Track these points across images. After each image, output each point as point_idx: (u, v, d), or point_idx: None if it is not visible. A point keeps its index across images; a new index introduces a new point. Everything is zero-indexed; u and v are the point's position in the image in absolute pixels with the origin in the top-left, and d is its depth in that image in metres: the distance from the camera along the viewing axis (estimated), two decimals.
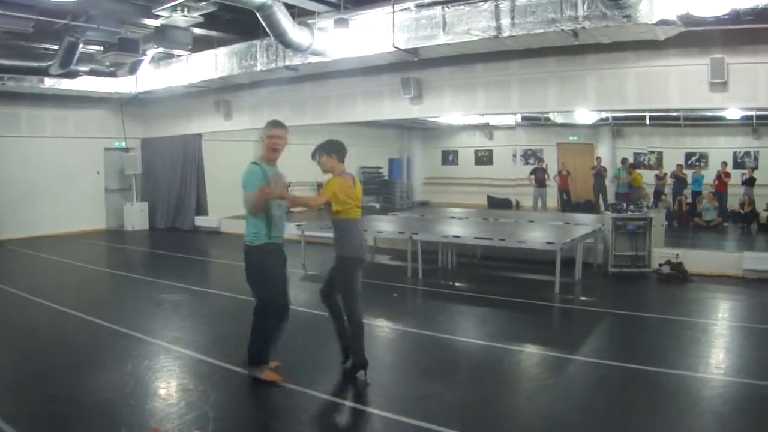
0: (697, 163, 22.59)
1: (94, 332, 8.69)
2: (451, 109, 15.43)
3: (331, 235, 6.83)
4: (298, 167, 9.11)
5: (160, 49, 14.97)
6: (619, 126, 23.74)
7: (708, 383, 6.63)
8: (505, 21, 11.32)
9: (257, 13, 11.51)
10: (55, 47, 13.90)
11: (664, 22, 10.46)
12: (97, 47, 14.37)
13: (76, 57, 13.68)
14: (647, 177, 21.62)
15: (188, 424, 5.38)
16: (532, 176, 22.82)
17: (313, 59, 13.89)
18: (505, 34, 11.43)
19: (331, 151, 6.68)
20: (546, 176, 22.79)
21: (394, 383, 6.46)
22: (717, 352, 8.00)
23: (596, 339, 8.62)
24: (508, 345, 8.05)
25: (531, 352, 7.97)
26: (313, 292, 6.97)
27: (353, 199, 6.64)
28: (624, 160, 21.55)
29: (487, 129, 27.86)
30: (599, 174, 22.10)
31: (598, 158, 22.78)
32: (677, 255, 12.40)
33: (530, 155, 26.76)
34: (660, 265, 12.28)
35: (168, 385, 6.66)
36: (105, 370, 6.97)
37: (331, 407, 5.99)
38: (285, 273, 6.74)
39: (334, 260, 6.69)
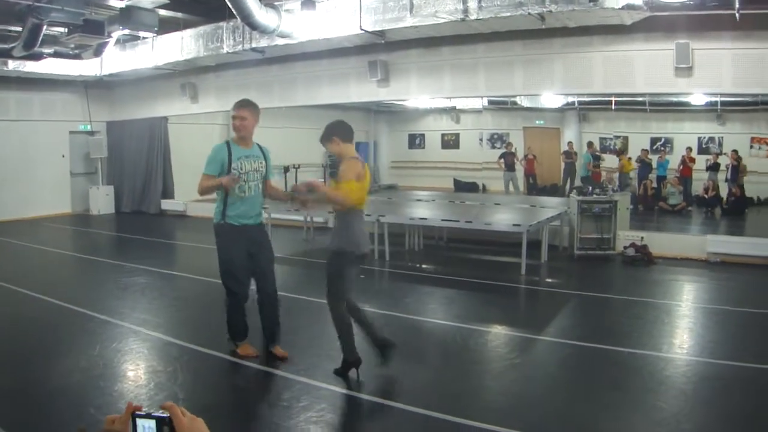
0: (662, 148, 22.78)
1: (61, 316, 8.64)
2: (418, 92, 15.42)
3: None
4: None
5: (126, 31, 14.76)
6: (585, 110, 23.90)
7: (671, 362, 6.73)
8: (472, 4, 11.35)
9: None
10: (19, 29, 13.69)
11: (630, 7, 10.57)
12: (61, 29, 14.15)
13: (40, 39, 13.47)
14: (612, 161, 21.83)
15: (158, 404, 5.36)
16: (502, 160, 22.86)
17: (280, 41, 13.87)
18: (472, 17, 11.48)
19: (331, 135, 6.17)
20: (515, 160, 22.87)
21: (362, 364, 6.48)
22: (680, 332, 8.12)
23: (562, 319, 8.71)
24: (475, 326, 8.12)
25: (498, 332, 8.05)
26: (280, 275, 6.94)
27: (365, 190, 6.22)
28: (589, 144, 21.73)
29: (453, 113, 27.89)
30: (570, 158, 22.20)
31: (570, 143, 22.87)
32: (642, 238, 12.54)
33: (496, 139, 26.86)
34: (625, 247, 12.40)
35: (137, 366, 6.64)
36: (73, 354, 6.95)
37: (297, 387, 5.99)
38: (249, 257, 6.58)
39: (328, 254, 6.26)
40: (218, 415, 5.38)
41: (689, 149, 21.05)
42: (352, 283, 6.28)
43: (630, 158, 21.40)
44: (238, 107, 6.60)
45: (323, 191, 6.35)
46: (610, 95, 19.00)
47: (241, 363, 6.60)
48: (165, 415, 1.57)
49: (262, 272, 6.68)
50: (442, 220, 12.66)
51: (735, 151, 19.64)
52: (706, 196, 19.65)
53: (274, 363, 6.52)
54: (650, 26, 11.56)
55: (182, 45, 16.08)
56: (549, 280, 11.33)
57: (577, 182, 20.29)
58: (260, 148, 6.78)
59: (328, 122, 6.37)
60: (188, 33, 15.88)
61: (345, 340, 6.20)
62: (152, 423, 1.57)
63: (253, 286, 6.71)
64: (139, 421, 1.57)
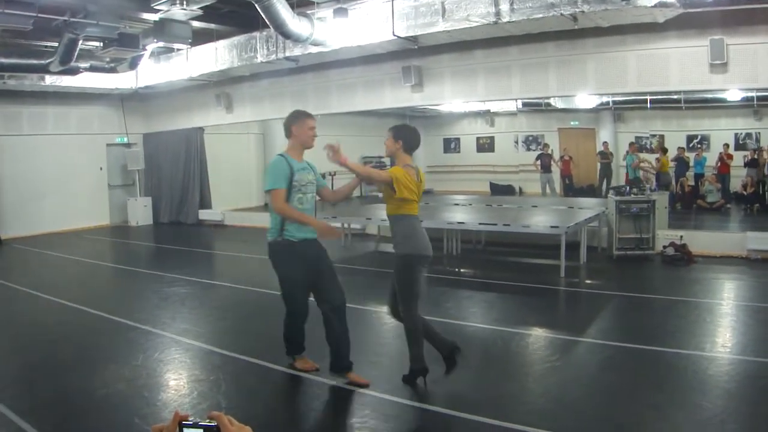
0: (699, 146, 22.54)
1: (103, 326, 8.74)
2: (452, 96, 15.41)
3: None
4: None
5: (160, 44, 14.90)
6: (620, 110, 23.67)
7: (715, 361, 6.67)
8: (504, 6, 11.31)
9: (256, 5, 11.50)
10: (55, 44, 13.90)
11: (662, 5, 10.47)
12: (96, 43, 14.34)
13: (75, 54, 13.67)
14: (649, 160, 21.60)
15: (202, 413, 5.40)
16: (538, 162, 22.73)
17: (313, 49, 13.91)
18: (504, 20, 11.43)
19: (398, 136, 6.02)
20: (552, 161, 22.72)
21: (403, 369, 6.48)
22: (723, 331, 8.04)
23: (603, 321, 8.67)
24: (516, 329, 8.10)
25: (539, 335, 8.02)
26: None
27: (416, 194, 6.01)
28: (632, 144, 21.47)
29: (488, 116, 27.85)
30: (606, 158, 22.00)
31: (605, 143, 22.65)
32: (681, 237, 12.45)
33: (532, 141, 26.73)
34: (664, 247, 12.31)
35: (179, 376, 6.71)
36: (115, 363, 7.01)
37: (342, 394, 6.02)
38: (310, 273, 6.16)
39: (395, 261, 6.03)
40: (261, 423, 5.41)
41: (726, 146, 20.81)
42: (424, 286, 6.17)
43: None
44: (313, 118, 6.27)
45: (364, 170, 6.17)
46: (644, 94, 18.80)
47: (281, 371, 6.63)
48: (213, 424, 1.57)
49: (326, 284, 6.24)
50: (480, 223, 12.61)
51: None
52: (744, 193, 19.43)
53: (318, 371, 6.52)
54: (683, 23, 11.45)
55: (216, 56, 16.22)
56: (589, 281, 11.29)
57: (615, 182, 20.12)
58: (307, 161, 6.33)
59: (404, 123, 6.47)
60: (222, 44, 16.01)
61: (416, 347, 6.02)
62: None
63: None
64: (187, 431, 1.58)
